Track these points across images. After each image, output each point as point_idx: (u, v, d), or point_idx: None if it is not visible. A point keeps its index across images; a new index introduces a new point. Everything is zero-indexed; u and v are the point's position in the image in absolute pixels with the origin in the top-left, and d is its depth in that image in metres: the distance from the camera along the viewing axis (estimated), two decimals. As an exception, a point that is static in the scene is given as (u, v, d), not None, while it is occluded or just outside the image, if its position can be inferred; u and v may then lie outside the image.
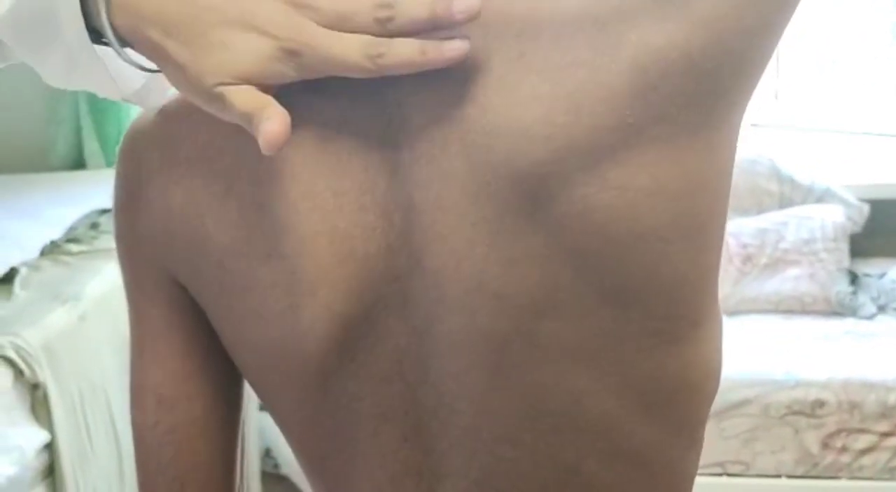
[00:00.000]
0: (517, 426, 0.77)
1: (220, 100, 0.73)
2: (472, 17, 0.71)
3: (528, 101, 0.71)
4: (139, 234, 0.84)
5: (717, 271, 0.77)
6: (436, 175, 0.73)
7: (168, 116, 0.83)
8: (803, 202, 3.42)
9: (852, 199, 3.43)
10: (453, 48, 0.71)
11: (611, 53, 0.70)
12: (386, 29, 0.72)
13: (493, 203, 0.72)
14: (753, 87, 0.73)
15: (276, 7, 0.73)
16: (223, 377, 0.86)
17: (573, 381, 0.75)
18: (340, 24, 0.73)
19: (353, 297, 0.76)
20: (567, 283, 0.73)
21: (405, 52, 0.72)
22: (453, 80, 0.73)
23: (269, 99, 0.72)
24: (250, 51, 0.72)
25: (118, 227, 0.86)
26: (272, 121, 0.71)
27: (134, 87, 0.84)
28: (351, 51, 0.72)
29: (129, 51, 0.77)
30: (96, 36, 0.77)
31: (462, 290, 0.74)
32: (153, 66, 0.77)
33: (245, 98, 0.72)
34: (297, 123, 0.72)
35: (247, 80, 0.73)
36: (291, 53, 0.72)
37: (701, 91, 0.71)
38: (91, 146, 3.58)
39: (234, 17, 0.73)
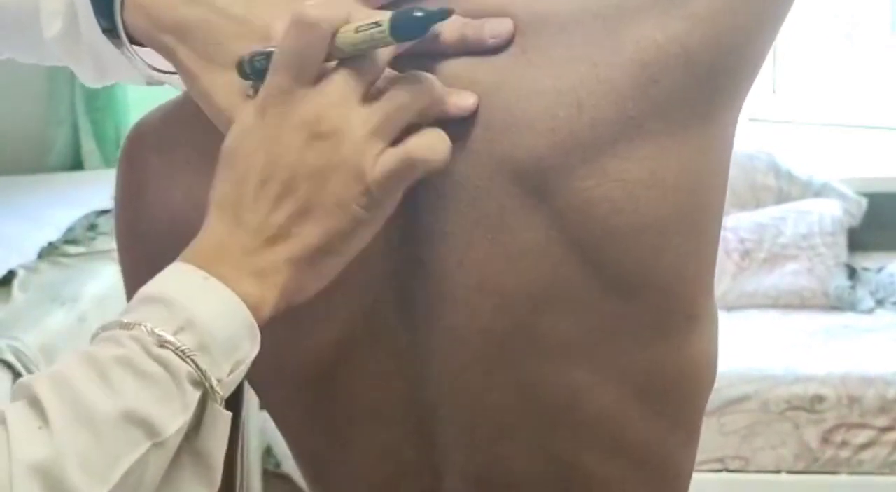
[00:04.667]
0: (515, 422, 0.77)
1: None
2: (504, 42, 0.73)
3: (531, 95, 0.72)
4: (139, 234, 0.84)
5: (714, 266, 0.77)
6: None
7: (168, 119, 0.83)
8: (801, 197, 3.42)
9: (850, 193, 3.43)
10: (457, 105, 0.72)
11: (612, 48, 0.71)
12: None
13: (494, 200, 0.73)
14: (749, 84, 0.74)
15: None
16: None
17: (571, 375, 0.75)
18: None
19: (352, 295, 0.76)
20: (567, 277, 0.73)
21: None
22: (454, 77, 0.73)
23: None
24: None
25: (119, 228, 0.86)
26: None
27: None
28: None
29: (141, 51, 0.78)
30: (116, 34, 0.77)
31: (463, 287, 0.74)
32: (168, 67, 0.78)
33: None
34: None
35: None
36: None
37: (699, 86, 0.72)
38: (89, 146, 3.57)
39: (255, 31, 0.73)
